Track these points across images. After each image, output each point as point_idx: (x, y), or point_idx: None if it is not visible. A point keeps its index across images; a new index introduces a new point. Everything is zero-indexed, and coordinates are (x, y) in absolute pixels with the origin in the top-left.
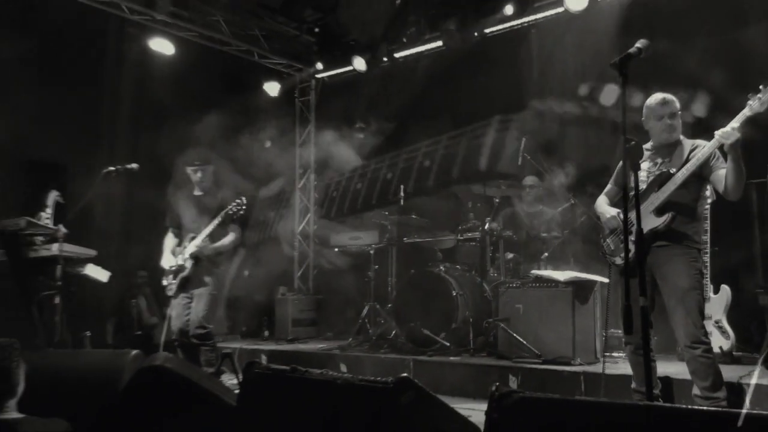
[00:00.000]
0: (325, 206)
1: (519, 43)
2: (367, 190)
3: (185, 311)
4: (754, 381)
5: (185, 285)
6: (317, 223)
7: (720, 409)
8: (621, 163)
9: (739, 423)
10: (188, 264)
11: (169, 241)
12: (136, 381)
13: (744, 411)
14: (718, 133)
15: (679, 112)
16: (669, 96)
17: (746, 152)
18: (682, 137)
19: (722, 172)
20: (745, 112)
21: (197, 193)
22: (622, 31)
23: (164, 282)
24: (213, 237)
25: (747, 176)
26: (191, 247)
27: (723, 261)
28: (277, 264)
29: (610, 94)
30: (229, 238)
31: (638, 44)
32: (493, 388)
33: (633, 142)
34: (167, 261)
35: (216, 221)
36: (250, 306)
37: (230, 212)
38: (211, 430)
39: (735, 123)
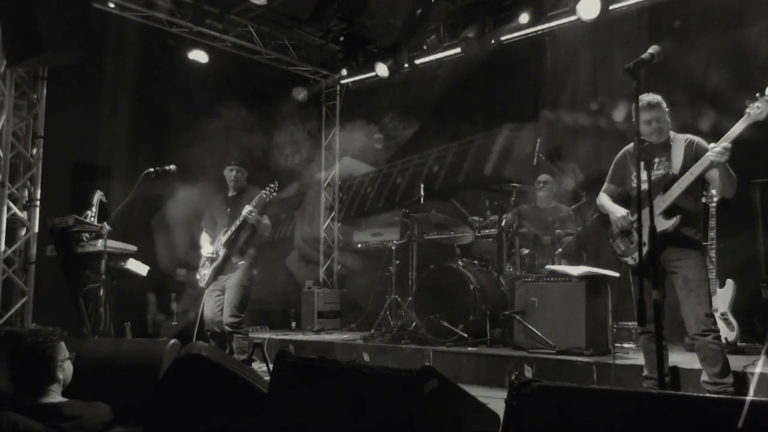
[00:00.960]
0: (343, 210)
1: (534, 51)
2: (389, 192)
3: (218, 303)
4: (758, 370)
5: (218, 273)
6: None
7: (728, 396)
8: (615, 161)
9: (744, 410)
10: (221, 252)
11: (203, 238)
12: (174, 369)
13: (749, 398)
14: (710, 154)
15: (667, 111)
16: (655, 98)
17: (750, 153)
18: (672, 134)
19: (716, 172)
20: (744, 121)
21: (231, 194)
22: (634, 38)
23: (197, 276)
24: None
25: (751, 176)
26: (226, 236)
27: (728, 257)
28: (292, 262)
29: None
30: (266, 221)
31: (651, 50)
32: (513, 377)
33: (646, 143)
34: (205, 249)
35: (251, 205)
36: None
37: (264, 195)
38: (245, 415)
39: (725, 142)
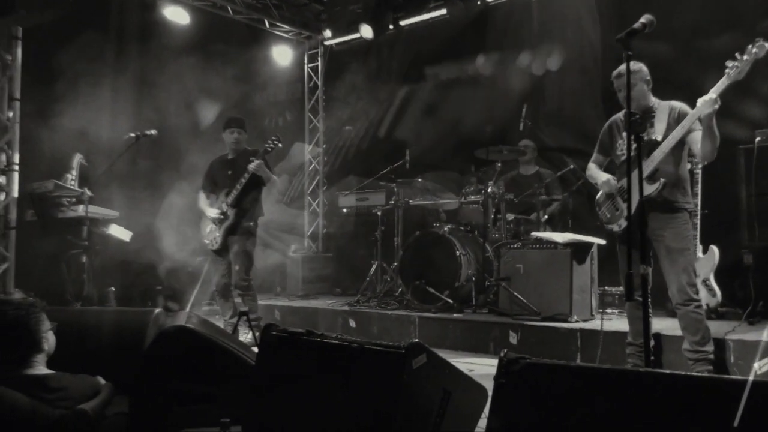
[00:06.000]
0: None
1: (521, 12)
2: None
3: (225, 267)
4: (765, 338)
5: (229, 233)
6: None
7: (713, 376)
8: (602, 131)
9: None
10: (231, 213)
11: (203, 200)
12: (160, 341)
13: (732, 377)
14: (699, 102)
15: (640, 81)
16: (623, 68)
17: (734, 119)
18: (655, 101)
19: (697, 134)
20: (724, 80)
21: (230, 156)
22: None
23: (205, 240)
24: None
25: (737, 142)
26: (231, 196)
27: (712, 222)
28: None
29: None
30: (275, 177)
31: (642, 19)
32: (502, 355)
33: (637, 116)
34: (210, 211)
35: (257, 161)
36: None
37: (268, 149)
38: (231, 388)
39: (714, 93)
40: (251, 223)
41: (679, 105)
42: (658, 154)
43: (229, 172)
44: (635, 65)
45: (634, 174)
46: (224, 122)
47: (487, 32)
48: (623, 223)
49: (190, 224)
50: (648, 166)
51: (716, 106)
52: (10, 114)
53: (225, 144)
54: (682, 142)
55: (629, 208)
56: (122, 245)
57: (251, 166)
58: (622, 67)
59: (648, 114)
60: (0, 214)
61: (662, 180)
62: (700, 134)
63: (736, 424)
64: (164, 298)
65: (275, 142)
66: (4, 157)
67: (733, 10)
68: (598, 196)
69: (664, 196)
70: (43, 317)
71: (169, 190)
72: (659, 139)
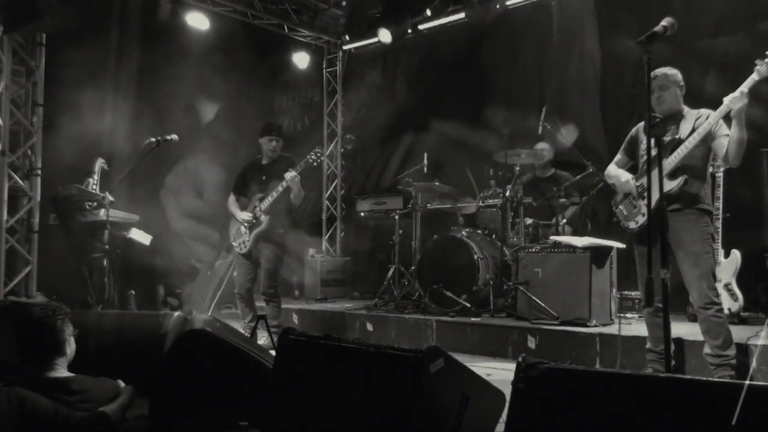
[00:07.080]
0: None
1: (540, 15)
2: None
3: (250, 272)
4: (761, 342)
5: (260, 239)
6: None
7: (733, 381)
8: (629, 136)
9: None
10: (264, 219)
11: (233, 203)
12: (179, 344)
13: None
14: (726, 99)
15: (675, 86)
16: (660, 70)
17: (758, 122)
18: (685, 108)
19: (723, 140)
20: (753, 77)
21: (264, 161)
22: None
23: (234, 243)
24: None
25: (759, 145)
26: (266, 203)
27: (734, 226)
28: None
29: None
30: (303, 191)
31: (663, 22)
32: (520, 359)
33: (658, 119)
34: (242, 215)
35: (297, 170)
36: None
37: (310, 160)
38: (250, 390)
39: (744, 88)
40: (282, 230)
41: (708, 110)
42: (683, 150)
43: (263, 178)
44: (671, 70)
45: (655, 172)
46: (263, 127)
47: (506, 35)
48: (640, 220)
49: (208, 227)
50: (671, 163)
51: (745, 101)
52: (34, 119)
53: (262, 150)
54: (707, 147)
55: (649, 205)
56: (142, 248)
57: (288, 179)
58: (657, 70)
59: (676, 117)
60: (23, 218)
61: (684, 176)
62: (726, 140)
63: (733, 422)
64: (165, 297)
65: (318, 155)
66: (27, 162)
67: (732, 12)
68: (617, 194)
69: (685, 190)
70: (67, 321)
71: (185, 194)
72: (683, 138)
